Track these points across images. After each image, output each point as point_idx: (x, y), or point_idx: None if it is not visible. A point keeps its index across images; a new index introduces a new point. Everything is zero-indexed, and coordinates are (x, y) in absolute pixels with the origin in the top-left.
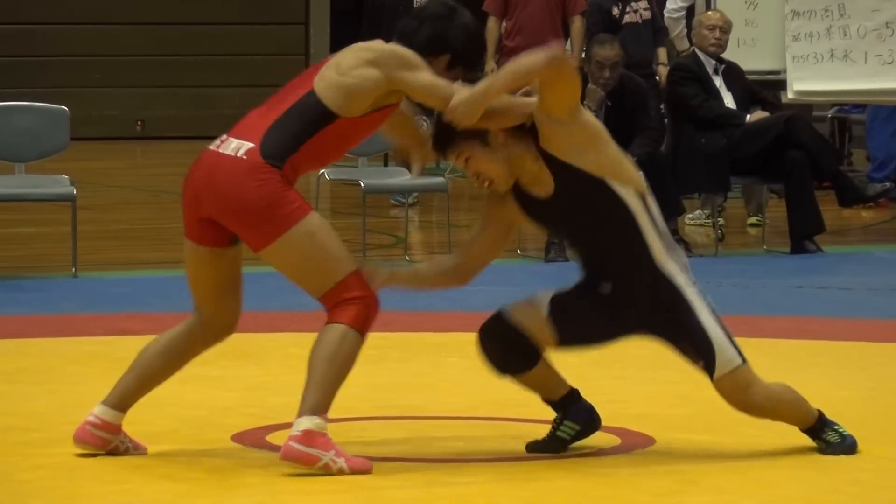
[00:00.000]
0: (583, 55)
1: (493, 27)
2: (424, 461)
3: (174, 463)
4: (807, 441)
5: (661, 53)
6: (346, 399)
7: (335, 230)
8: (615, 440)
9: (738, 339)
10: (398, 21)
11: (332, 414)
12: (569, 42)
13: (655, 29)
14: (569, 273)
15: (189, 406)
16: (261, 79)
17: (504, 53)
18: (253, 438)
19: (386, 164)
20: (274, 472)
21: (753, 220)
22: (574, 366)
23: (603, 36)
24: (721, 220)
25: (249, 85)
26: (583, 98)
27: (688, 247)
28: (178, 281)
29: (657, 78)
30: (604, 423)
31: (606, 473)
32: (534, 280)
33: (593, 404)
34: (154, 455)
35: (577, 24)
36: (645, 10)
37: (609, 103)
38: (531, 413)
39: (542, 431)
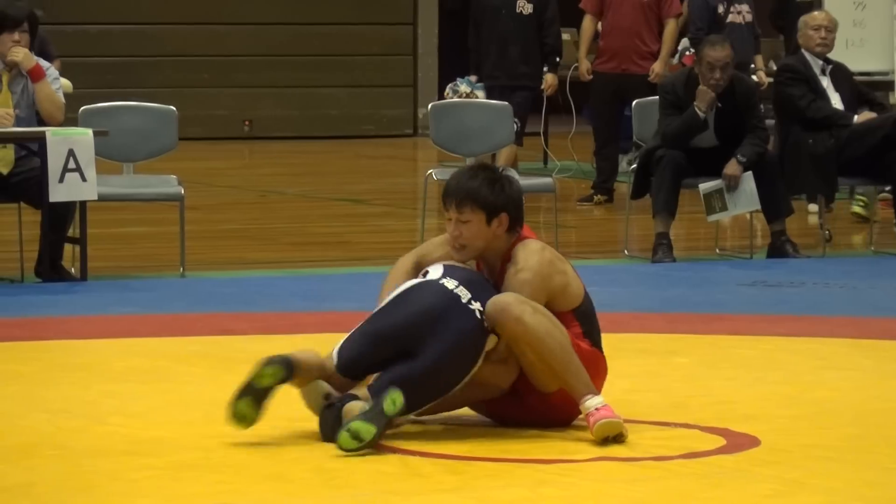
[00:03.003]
0: (673, 58)
1: (588, 25)
2: (531, 462)
3: (281, 463)
4: None
5: (759, 60)
6: None
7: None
8: (720, 441)
9: (846, 341)
10: (499, 22)
11: (437, 417)
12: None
13: (755, 35)
14: (674, 273)
15: (297, 407)
16: (368, 79)
17: (598, 53)
18: None
19: None
20: (380, 472)
21: (857, 208)
22: (683, 367)
23: (714, 37)
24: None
25: (357, 85)
26: (694, 99)
27: (795, 248)
28: (285, 281)
29: (755, 79)
30: (710, 423)
31: (711, 475)
32: (639, 281)
33: (702, 404)
34: (261, 455)
35: (671, 27)
36: (748, 12)
37: (720, 105)
38: (635, 414)
39: (648, 433)
